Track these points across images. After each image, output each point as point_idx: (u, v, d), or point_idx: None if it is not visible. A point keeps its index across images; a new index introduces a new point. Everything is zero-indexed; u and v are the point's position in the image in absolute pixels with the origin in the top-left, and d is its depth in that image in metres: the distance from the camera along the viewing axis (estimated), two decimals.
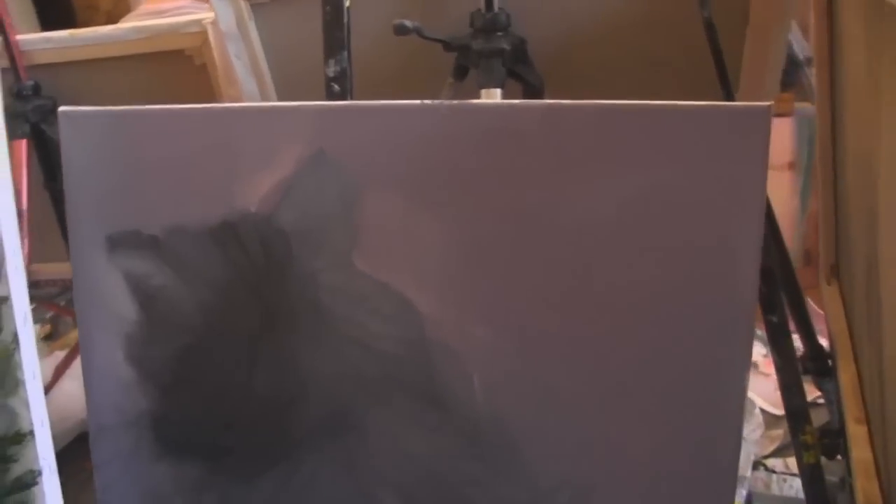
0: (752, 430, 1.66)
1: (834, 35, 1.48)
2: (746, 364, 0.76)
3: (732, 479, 0.80)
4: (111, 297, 1.05)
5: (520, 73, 1.29)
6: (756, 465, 1.57)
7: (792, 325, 1.28)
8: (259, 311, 0.94)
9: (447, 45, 1.27)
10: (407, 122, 0.84)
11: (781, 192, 2.53)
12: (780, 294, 1.00)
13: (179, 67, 1.66)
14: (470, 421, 0.86)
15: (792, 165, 2.54)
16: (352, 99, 1.10)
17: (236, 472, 1.03)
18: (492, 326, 0.83)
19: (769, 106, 0.70)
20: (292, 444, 0.98)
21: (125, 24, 1.68)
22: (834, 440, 1.19)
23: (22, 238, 1.48)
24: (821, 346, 1.33)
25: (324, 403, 0.93)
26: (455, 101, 0.82)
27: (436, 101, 0.82)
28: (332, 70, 1.07)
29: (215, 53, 1.56)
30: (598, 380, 0.81)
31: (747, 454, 1.60)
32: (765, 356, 1.90)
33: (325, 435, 0.93)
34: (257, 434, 1.00)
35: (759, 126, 0.70)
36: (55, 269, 1.95)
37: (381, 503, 0.93)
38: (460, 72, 1.31)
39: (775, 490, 1.50)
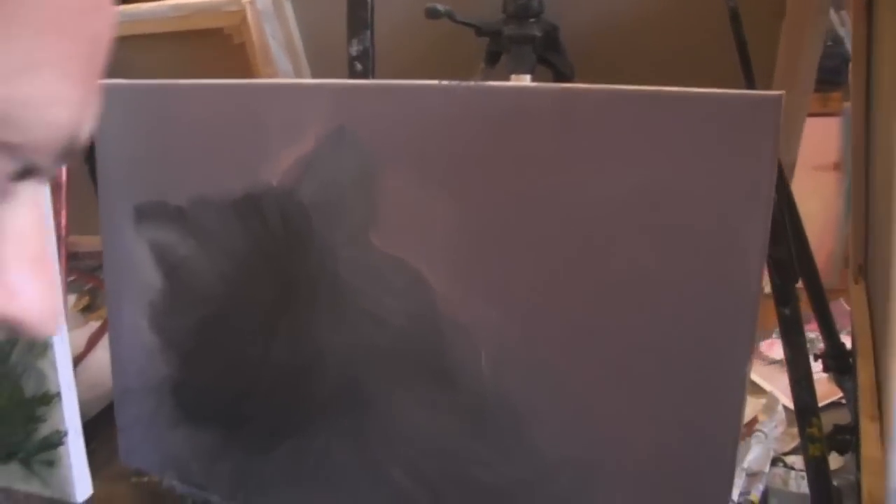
0: (775, 427, 1.65)
1: (872, 33, 1.47)
2: (748, 354, 0.76)
3: (730, 469, 0.80)
4: (138, 265, 1.08)
5: (550, 59, 1.29)
6: (775, 461, 1.56)
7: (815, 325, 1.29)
8: (278, 283, 0.96)
9: (479, 30, 1.28)
10: (424, 101, 0.85)
11: (826, 192, 2.50)
12: (794, 287, 1.00)
13: (218, 46, 1.68)
14: (476, 398, 0.88)
15: (837, 166, 2.51)
16: (374, 78, 1.12)
17: (251, 443, 1.06)
18: (500, 305, 0.84)
19: (780, 95, 0.70)
20: (306, 416, 1.00)
21: (166, 2, 1.70)
22: (846, 437, 1.19)
23: (60, 209, 1.51)
24: (842, 344, 1.33)
25: (337, 376, 0.95)
26: (471, 83, 0.83)
27: (452, 82, 0.83)
28: (354, 49, 1.09)
29: (252, 32, 1.58)
30: (602, 362, 0.82)
31: (767, 450, 1.60)
32: None
33: (337, 408, 0.95)
34: (272, 405, 1.02)
35: (769, 115, 0.70)
36: (94, 242, 1.98)
37: (389, 477, 0.95)
38: (492, 57, 1.31)
39: (793, 487, 1.50)
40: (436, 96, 0.85)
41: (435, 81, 0.84)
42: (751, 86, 1.01)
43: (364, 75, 1.09)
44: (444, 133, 0.84)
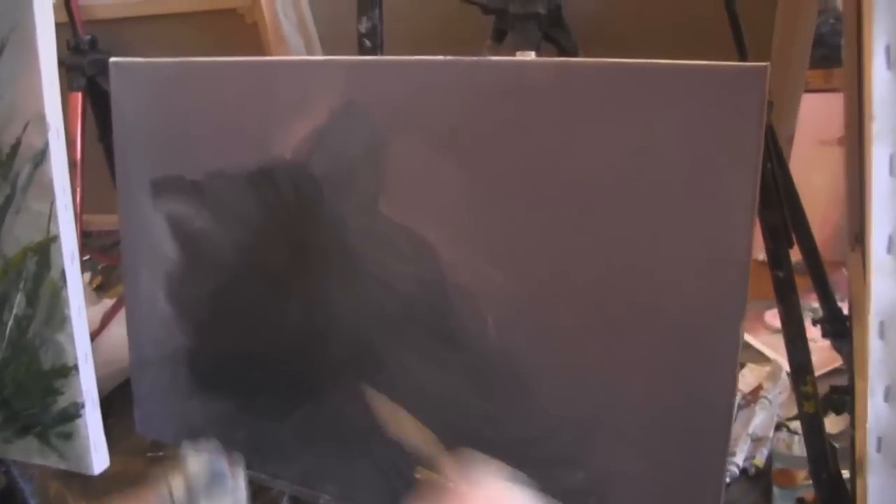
0: (779, 393, 1.68)
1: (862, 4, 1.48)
2: (741, 314, 0.79)
3: (727, 419, 0.83)
4: (154, 238, 1.11)
5: (555, 36, 1.31)
6: (779, 426, 1.60)
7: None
8: (291, 252, 0.99)
9: (484, 8, 1.30)
10: (430, 76, 0.89)
11: (831, 166, 2.51)
12: (787, 250, 1.03)
13: (231, 25, 1.71)
14: (483, 359, 0.91)
15: (842, 141, 2.51)
16: (382, 55, 1.14)
17: (265, 410, 1.09)
18: (505, 269, 0.88)
19: (765, 66, 0.73)
20: (319, 381, 1.04)
21: None
22: (842, 396, 1.22)
23: (75, 188, 1.54)
24: (839, 309, 1.35)
25: (348, 341, 0.99)
26: (475, 58, 0.86)
27: (456, 58, 0.86)
28: (363, 26, 1.12)
29: (265, 12, 1.61)
30: (601, 323, 0.85)
31: (771, 415, 1.63)
32: None
33: (349, 372, 0.98)
34: (286, 371, 1.06)
35: (755, 86, 0.74)
36: (108, 221, 2.01)
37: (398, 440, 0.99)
38: (498, 35, 1.33)
39: (796, 451, 1.52)
40: (441, 71, 0.88)
41: (441, 57, 0.87)
42: (743, 58, 1.04)
43: (373, 52, 1.12)
44: (449, 106, 0.87)
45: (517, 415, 0.92)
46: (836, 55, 2.02)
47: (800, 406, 1.11)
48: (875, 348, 0.77)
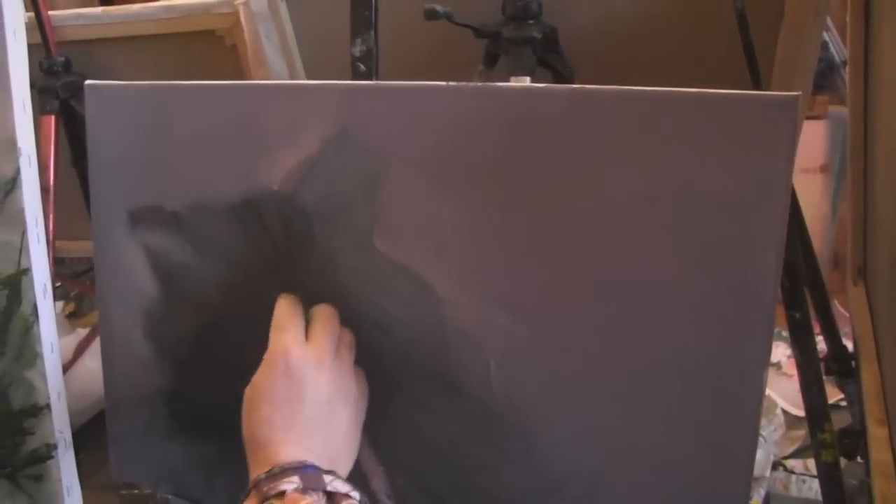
0: (774, 431, 1.65)
1: (869, 36, 1.46)
2: (765, 361, 0.74)
3: (747, 479, 0.78)
4: (131, 272, 1.05)
5: (550, 61, 1.28)
6: (776, 465, 1.56)
7: (816, 327, 1.27)
8: (278, 290, 0.93)
9: (478, 32, 1.26)
10: (431, 103, 0.83)
11: (813, 195, 2.52)
12: (803, 290, 0.99)
13: (210, 48, 1.66)
14: (484, 407, 0.86)
15: (824, 168, 2.53)
16: (377, 80, 1.10)
17: None
18: (510, 312, 0.82)
19: (797, 96, 0.68)
20: None
21: (157, 3, 1.68)
22: (854, 441, 1.18)
23: (48, 214, 1.49)
24: (844, 347, 1.32)
25: None
26: (480, 84, 0.81)
27: (461, 83, 0.81)
28: (357, 49, 1.07)
29: (246, 34, 1.56)
30: (614, 371, 0.80)
31: (767, 454, 1.59)
32: (788, 357, 1.89)
33: None
34: None
35: (786, 116, 0.69)
36: (81, 247, 1.96)
37: (392, 486, 0.93)
38: (490, 59, 1.30)
39: (794, 491, 1.49)
40: (444, 97, 0.83)
41: (443, 83, 0.82)
42: (757, 87, 1.00)
43: (367, 76, 1.07)
44: (451, 135, 0.82)
45: (520, 466, 0.86)
46: (819, 82, 2.01)
47: (817, 456, 1.06)
48: None
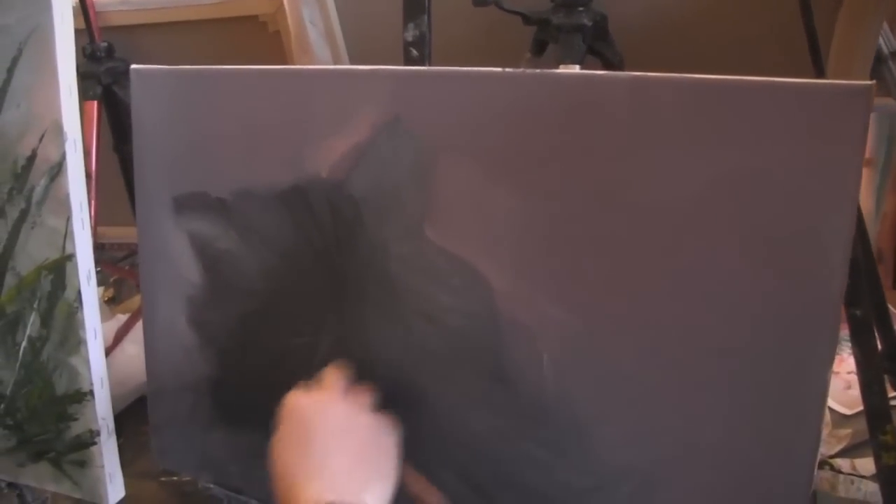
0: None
1: None
2: (829, 360, 0.72)
3: (808, 480, 0.76)
4: (176, 259, 1.04)
5: (599, 49, 1.26)
6: (822, 464, 1.52)
7: None
8: (325, 279, 0.92)
9: (527, 19, 1.24)
10: (487, 89, 0.81)
11: None
12: (864, 286, 0.96)
13: (253, 33, 1.65)
14: (536, 401, 0.84)
15: (868, 162, 2.48)
16: (430, 65, 1.08)
17: None
18: (565, 305, 0.80)
19: (871, 85, 0.66)
20: None
21: None
22: None
23: (90, 200, 1.48)
24: None
25: (387, 376, 0.91)
26: (538, 70, 0.78)
27: (518, 69, 0.79)
28: (410, 34, 1.05)
29: (289, 19, 1.54)
30: (671, 368, 0.77)
31: None
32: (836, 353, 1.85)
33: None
34: None
35: (859, 107, 0.66)
36: (121, 233, 1.96)
37: (440, 481, 0.91)
38: (538, 46, 1.28)
39: (842, 492, 1.45)
40: (499, 84, 0.80)
41: (498, 69, 0.80)
42: (820, 76, 0.97)
43: (420, 62, 1.05)
44: (507, 123, 0.80)
45: (571, 462, 0.84)
46: None
47: (877, 458, 1.03)
48: None
